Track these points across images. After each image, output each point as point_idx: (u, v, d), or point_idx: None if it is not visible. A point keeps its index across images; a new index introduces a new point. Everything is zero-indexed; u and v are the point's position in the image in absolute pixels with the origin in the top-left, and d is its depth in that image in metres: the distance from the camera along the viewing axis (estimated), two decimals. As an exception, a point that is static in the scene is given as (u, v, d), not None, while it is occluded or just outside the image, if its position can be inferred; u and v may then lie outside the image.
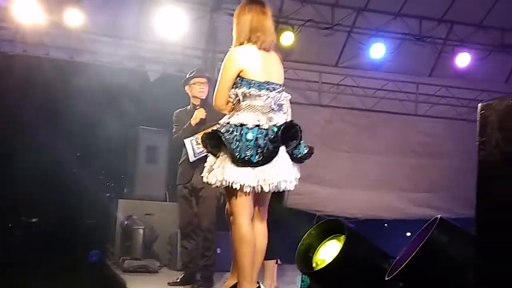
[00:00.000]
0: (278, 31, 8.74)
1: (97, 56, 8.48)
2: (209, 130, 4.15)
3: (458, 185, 9.15)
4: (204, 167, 4.06)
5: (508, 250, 2.52)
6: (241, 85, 3.93)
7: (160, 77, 8.75)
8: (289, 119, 4.08)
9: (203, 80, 6.20)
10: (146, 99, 8.47)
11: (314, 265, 3.91)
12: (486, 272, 2.61)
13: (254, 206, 3.97)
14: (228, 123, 3.86)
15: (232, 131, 3.80)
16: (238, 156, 3.73)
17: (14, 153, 8.38)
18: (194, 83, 6.18)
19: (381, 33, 9.28)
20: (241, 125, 3.81)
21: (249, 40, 4.01)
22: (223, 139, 3.76)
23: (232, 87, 3.97)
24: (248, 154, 3.74)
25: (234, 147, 3.74)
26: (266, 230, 4.09)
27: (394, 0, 9.15)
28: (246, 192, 3.82)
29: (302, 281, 4.33)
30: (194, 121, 6.00)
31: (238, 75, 3.95)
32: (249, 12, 4.08)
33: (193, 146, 5.94)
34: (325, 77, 9.46)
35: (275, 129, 3.82)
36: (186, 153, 6.01)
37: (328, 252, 3.84)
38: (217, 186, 3.91)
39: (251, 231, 3.92)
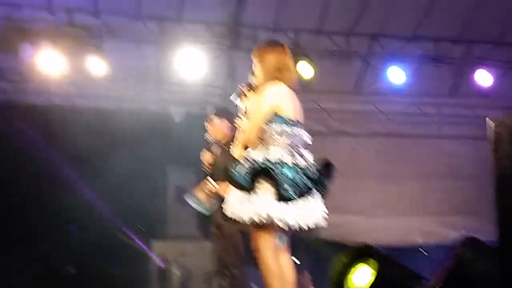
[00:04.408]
0: (295, 63, 8.85)
1: (122, 102, 8.71)
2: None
3: (489, 205, 9.04)
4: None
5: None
6: (278, 122, 3.99)
7: (185, 117, 8.91)
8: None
9: (210, 119, 6.30)
10: (172, 141, 8.59)
11: (348, 291, 3.92)
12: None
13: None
14: (266, 158, 3.88)
15: (272, 167, 3.86)
16: (281, 192, 3.77)
17: (42, 202, 8.51)
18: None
19: (398, 57, 9.32)
20: (281, 161, 3.86)
21: (276, 78, 4.06)
22: (274, 175, 3.78)
23: (267, 124, 4.00)
24: (289, 191, 3.79)
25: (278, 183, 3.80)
26: (291, 261, 4.14)
27: (409, 23, 9.17)
28: (276, 228, 3.87)
29: None
30: (204, 166, 6.11)
31: (274, 112, 4.00)
32: (274, 51, 4.17)
33: (199, 205, 6.00)
34: (345, 105, 9.53)
35: (312, 167, 3.89)
36: None
37: (360, 277, 3.85)
38: (252, 222, 3.92)
39: (279, 263, 3.97)
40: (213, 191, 5.88)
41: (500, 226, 2.57)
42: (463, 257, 3.25)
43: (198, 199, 5.95)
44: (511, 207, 2.59)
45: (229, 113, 6.43)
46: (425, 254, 9.42)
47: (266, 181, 3.83)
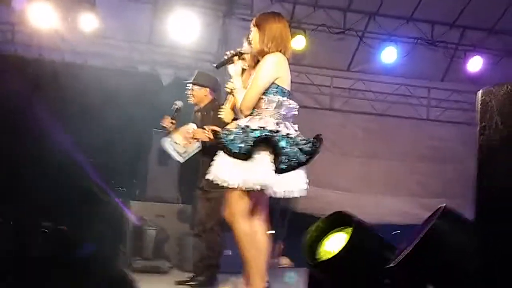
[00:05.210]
0: (291, 35, 8.81)
1: (111, 60, 8.64)
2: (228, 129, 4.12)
3: (471, 190, 9.08)
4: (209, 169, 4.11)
5: (508, 232, 2.54)
6: (275, 93, 3.99)
7: (172, 81, 8.86)
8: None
9: (190, 86, 6.30)
10: (159, 103, 8.53)
11: (320, 256, 3.95)
12: (488, 255, 2.63)
13: (255, 206, 4.05)
14: (263, 128, 3.88)
15: (271, 137, 3.85)
16: (278, 163, 3.79)
17: (26, 157, 8.44)
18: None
19: (393, 38, 9.31)
20: (277, 132, 3.87)
21: (278, 49, 4.04)
22: (277, 146, 3.80)
23: (265, 93, 4.00)
24: (284, 163, 3.81)
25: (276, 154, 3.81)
26: (265, 228, 4.16)
27: (406, 4, 9.16)
28: (255, 194, 3.91)
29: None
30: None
31: (273, 82, 4.00)
32: (279, 22, 4.14)
33: (174, 147, 6.02)
34: (336, 81, 9.50)
35: (302, 140, 3.91)
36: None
37: (334, 243, 3.88)
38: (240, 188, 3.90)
39: (254, 229, 4.02)
40: (195, 136, 5.93)
41: (479, 196, 2.57)
42: (438, 228, 3.27)
43: (175, 141, 5.98)
44: (492, 176, 2.58)
45: (210, 79, 6.43)
46: (400, 233, 9.46)
47: (264, 150, 3.84)
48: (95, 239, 8.19)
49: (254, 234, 3.99)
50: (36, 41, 8.24)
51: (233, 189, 3.92)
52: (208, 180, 4.19)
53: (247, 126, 3.92)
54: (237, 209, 3.96)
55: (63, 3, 7.98)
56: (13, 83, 8.17)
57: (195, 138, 6.01)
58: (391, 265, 3.32)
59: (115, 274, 7.19)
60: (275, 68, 3.99)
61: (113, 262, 7.81)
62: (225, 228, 5.83)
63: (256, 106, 4.01)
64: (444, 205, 3.46)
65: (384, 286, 3.55)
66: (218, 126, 4.52)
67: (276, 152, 3.81)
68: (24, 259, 7.18)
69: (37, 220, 8.69)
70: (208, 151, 5.76)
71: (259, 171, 3.82)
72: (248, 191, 3.87)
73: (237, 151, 3.86)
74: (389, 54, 9.29)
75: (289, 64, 4.15)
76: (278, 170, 3.81)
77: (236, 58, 4.26)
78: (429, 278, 3.27)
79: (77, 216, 8.49)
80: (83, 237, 8.41)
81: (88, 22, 8.08)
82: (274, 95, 3.98)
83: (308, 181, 3.98)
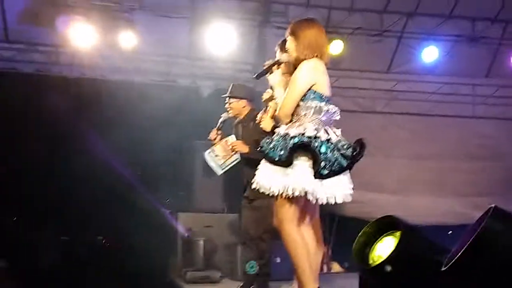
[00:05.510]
0: (327, 40, 8.77)
1: (152, 75, 8.77)
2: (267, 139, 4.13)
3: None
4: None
5: None
6: (313, 99, 3.99)
7: (213, 92, 8.91)
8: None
9: (228, 99, 6.34)
10: (200, 115, 8.60)
11: (370, 261, 3.90)
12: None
13: (303, 212, 4.04)
14: (302, 134, 3.89)
15: (310, 143, 3.84)
16: (318, 169, 3.78)
17: (73, 173, 8.59)
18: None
19: (432, 36, 9.17)
20: (316, 137, 3.86)
21: (314, 55, 4.05)
22: (312, 151, 3.80)
23: (302, 100, 4.01)
24: (325, 169, 3.80)
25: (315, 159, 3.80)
26: (314, 233, 4.15)
27: (445, 1, 9.01)
28: (302, 201, 3.89)
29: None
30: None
31: (310, 88, 4.00)
32: (313, 28, 4.16)
33: (213, 159, 6.08)
34: (377, 83, 9.42)
35: (344, 144, 3.89)
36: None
37: (384, 248, 3.83)
38: (282, 194, 3.92)
39: (302, 235, 4.00)
40: (233, 148, 5.98)
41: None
42: (490, 229, 3.19)
43: (215, 154, 6.05)
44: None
45: (246, 90, 6.46)
46: (451, 234, 9.28)
47: (303, 156, 3.84)
48: (147, 252, 8.34)
49: (302, 240, 3.99)
50: (79, 61, 8.43)
51: (277, 196, 3.93)
52: (252, 189, 4.22)
53: (287, 134, 3.94)
54: (283, 216, 3.97)
55: (102, 23, 8.13)
56: (58, 103, 8.35)
57: (234, 150, 6.06)
58: (444, 268, 3.25)
59: (168, 285, 7.31)
60: (311, 74, 4.00)
61: (165, 274, 7.95)
62: (275, 235, 5.88)
63: (295, 113, 4.03)
64: (494, 205, 3.38)
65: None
66: (258, 136, 4.53)
67: (316, 157, 3.79)
68: (77, 270, 7.36)
69: (89, 234, 8.88)
70: (250, 161, 5.78)
71: (298, 177, 3.83)
72: (292, 197, 3.87)
73: (277, 159, 3.89)
74: (430, 53, 9.16)
75: (327, 68, 4.14)
76: (320, 176, 3.80)
77: (274, 67, 4.28)
78: (482, 279, 3.19)
79: (126, 229, 8.63)
80: (134, 250, 8.56)
81: (127, 39, 8.21)
82: (311, 101, 3.98)
83: (353, 185, 3.96)
